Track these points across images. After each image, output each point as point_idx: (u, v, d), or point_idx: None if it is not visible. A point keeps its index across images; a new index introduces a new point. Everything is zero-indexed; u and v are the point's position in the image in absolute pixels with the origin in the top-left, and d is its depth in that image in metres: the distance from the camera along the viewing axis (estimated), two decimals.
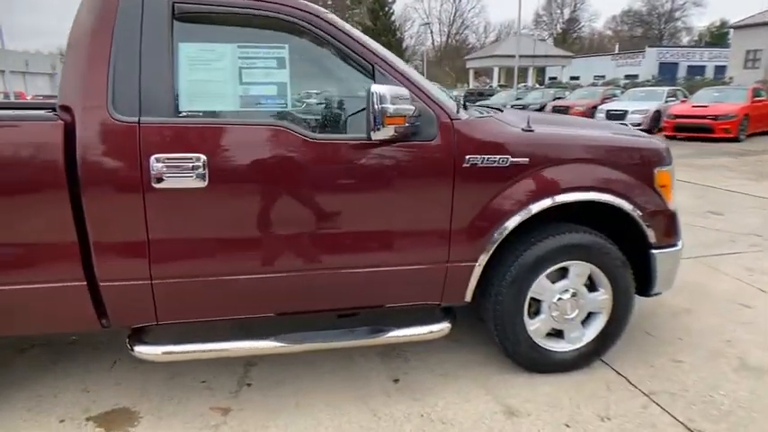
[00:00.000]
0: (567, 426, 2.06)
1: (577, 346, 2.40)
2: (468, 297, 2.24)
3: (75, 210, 1.83)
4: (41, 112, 1.90)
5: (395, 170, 2.02)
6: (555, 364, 2.40)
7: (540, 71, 45.39)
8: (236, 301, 2.06)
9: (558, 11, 63.43)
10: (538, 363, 2.38)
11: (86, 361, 2.58)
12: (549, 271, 2.27)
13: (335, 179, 1.99)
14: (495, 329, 2.32)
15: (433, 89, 2.16)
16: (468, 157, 2.06)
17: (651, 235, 2.34)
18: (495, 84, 40.50)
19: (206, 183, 1.87)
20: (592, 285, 2.38)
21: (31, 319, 1.96)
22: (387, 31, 47.83)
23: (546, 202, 2.15)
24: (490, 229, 2.14)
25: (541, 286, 2.29)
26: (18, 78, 31.59)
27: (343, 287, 2.11)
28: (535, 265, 2.24)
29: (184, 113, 1.89)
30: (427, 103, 2.04)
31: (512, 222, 2.14)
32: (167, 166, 1.84)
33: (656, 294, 2.53)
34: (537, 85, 35.16)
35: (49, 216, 1.83)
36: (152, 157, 1.83)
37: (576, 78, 39.35)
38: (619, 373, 2.42)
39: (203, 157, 1.86)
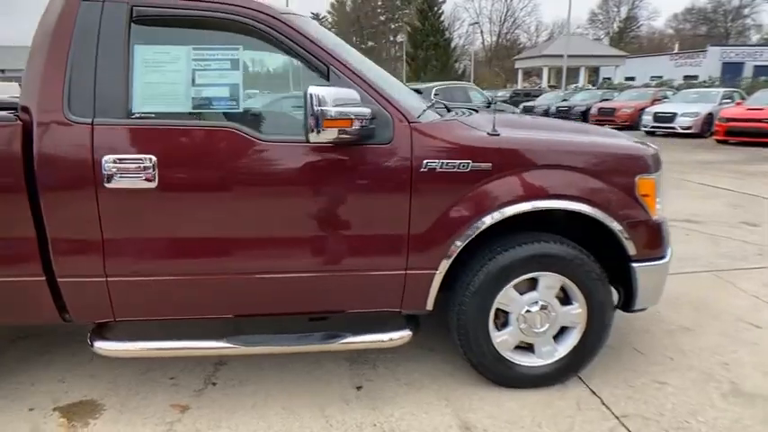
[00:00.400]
0: None
1: (549, 361, 2.27)
2: (430, 306, 2.17)
3: (33, 207, 1.91)
4: (3, 113, 1.99)
5: (347, 173, 1.98)
6: (524, 379, 2.28)
7: (594, 71, 43.81)
8: (190, 302, 2.08)
9: (615, 9, 60.94)
10: (505, 377, 2.28)
11: (73, 352, 2.69)
12: (515, 281, 2.17)
13: (285, 181, 1.98)
14: (458, 340, 2.23)
15: (395, 91, 2.11)
16: (425, 161, 2.00)
17: (630, 247, 2.18)
18: (544, 84, 39.45)
19: (155, 183, 1.90)
20: (566, 298, 2.25)
21: None
22: (435, 32, 47.61)
23: (509, 210, 2.05)
24: (451, 237, 2.06)
25: (508, 297, 2.18)
26: None
27: (297, 291, 2.10)
28: (500, 275, 2.14)
29: (137, 115, 1.93)
30: (384, 105, 1.99)
31: (472, 230, 2.05)
32: (118, 167, 1.88)
33: (639, 310, 2.36)
34: (590, 86, 33.96)
35: (9, 213, 1.91)
36: (104, 158, 1.88)
37: (632, 79, 37.64)
38: (593, 392, 2.28)
39: (153, 158, 1.89)
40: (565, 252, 2.15)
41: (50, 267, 1.97)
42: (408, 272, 2.09)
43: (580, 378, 2.37)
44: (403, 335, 2.18)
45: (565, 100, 21.67)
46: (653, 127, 14.18)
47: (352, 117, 1.82)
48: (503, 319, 2.24)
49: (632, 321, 2.94)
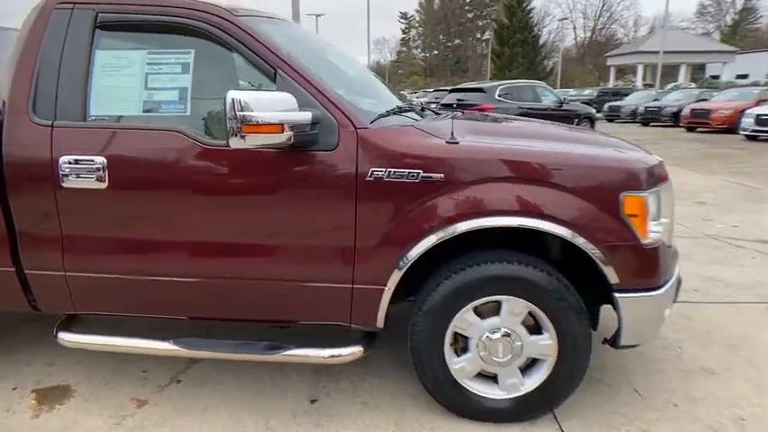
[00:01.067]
0: None
1: (514, 395, 2.05)
2: (380, 323, 2.03)
3: (3, 202, 2.03)
4: None
5: (289, 180, 1.91)
6: (486, 412, 2.07)
7: (700, 69, 40.01)
8: (141, 301, 2.12)
9: (729, 0, 55.18)
10: (464, 407, 2.08)
11: None
12: (475, 304, 1.97)
13: (228, 186, 1.95)
14: (412, 362, 2.08)
15: (342, 94, 1.96)
16: (372, 169, 1.87)
17: (611, 274, 1.90)
18: (638, 83, 36.68)
19: (106, 184, 1.95)
20: (537, 327, 2.01)
21: None
22: (523, 28, 46.03)
23: (462, 227, 1.86)
24: (400, 252, 1.91)
25: (466, 320, 1.99)
26: None
27: (242, 297, 2.06)
28: (456, 296, 1.96)
29: (93, 117, 1.99)
30: (330, 109, 1.89)
31: (422, 246, 1.89)
32: (73, 167, 1.96)
33: (628, 347, 2.06)
34: (692, 85, 31.09)
35: None
36: (61, 158, 1.96)
37: (744, 77, 33.86)
38: None
39: (104, 160, 1.94)
40: (530, 275, 1.91)
41: (19, 259, 2.10)
42: (355, 286, 1.98)
43: (555, 417, 2.12)
44: (352, 351, 2.07)
45: (656, 100, 20.00)
46: (754, 131, 12.61)
47: (283, 123, 1.73)
48: (462, 344, 2.06)
49: (643, 356, 2.59)
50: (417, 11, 68.85)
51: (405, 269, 1.92)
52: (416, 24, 69.83)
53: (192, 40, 2.00)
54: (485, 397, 2.06)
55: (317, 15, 41.72)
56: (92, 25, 2.01)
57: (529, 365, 2.06)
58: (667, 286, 2.01)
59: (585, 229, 1.86)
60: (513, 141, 2.03)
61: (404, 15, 69.59)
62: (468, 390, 2.06)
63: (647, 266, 1.95)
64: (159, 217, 2.00)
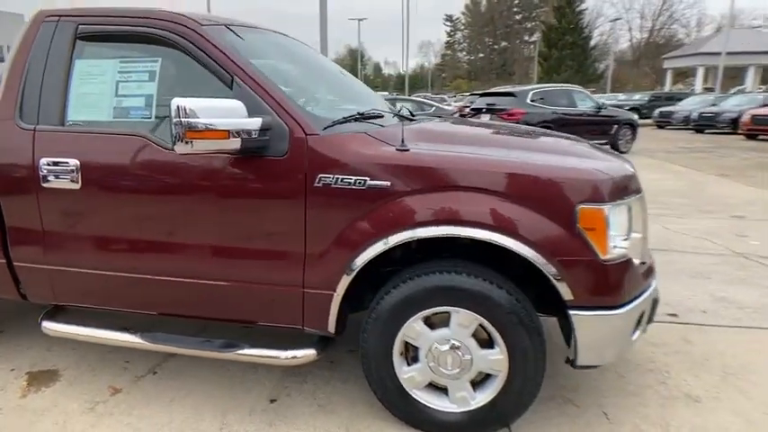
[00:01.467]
0: None
1: (464, 408, 2.01)
2: (332, 328, 2.05)
3: None
4: None
5: (241, 184, 1.97)
6: (436, 424, 2.04)
7: None
8: (113, 296, 2.24)
9: None
10: (414, 418, 2.07)
11: None
12: (424, 313, 1.95)
13: (185, 189, 2.02)
14: (363, 369, 2.08)
15: (296, 102, 2.00)
16: (320, 176, 1.90)
17: (565, 290, 1.83)
18: (698, 86, 34.73)
19: (79, 185, 2.08)
20: (491, 341, 1.97)
21: None
22: (572, 30, 44.71)
23: (407, 235, 1.86)
24: (347, 259, 1.93)
25: (414, 330, 1.98)
26: None
27: (203, 296, 2.13)
28: (405, 305, 1.95)
29: (70, 122, 2.13)
30: (281, 116, 1.94)
31: (368, 254, 1.89)
32: (51, 169, 2.10)
33: (587, 367, 1.98)
34: (761, 88, 29.17)
35: None
36: (41, 160, 2.11)
37: None
38: None
39: (77, 162, 2.07)
40: (477, 287, 1.87)
41: (8, 252, 2.27)
42: (306, 290, 2.01)
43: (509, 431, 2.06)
44: (306, 353, 2.10)
45: (714, 105, 18.88)
46: None
47: (229, 129, 1.79)
48: (413, 354, 2.04)
49: (623, 379, 2.47)
50: (463, 13, 68.21)
51: (353, 276, 1.93)
52: (462, 27, 69.19)
53: (160, 49, 2.10)
54: (435, 409, 2.03)
55: (360, 20, 42.39)
56: (73, 36, 2.15)
57: (483, 379, 2.02)
58: (632, 306, 1.91)
59: (537, 242, 1.81)
60: (468, 149, 1.99)
61: (449, 18, 69.17)
62: (417, 400, 2.04)
63: (607, 284, 1.86)
64: (124, 217, 2.11)
